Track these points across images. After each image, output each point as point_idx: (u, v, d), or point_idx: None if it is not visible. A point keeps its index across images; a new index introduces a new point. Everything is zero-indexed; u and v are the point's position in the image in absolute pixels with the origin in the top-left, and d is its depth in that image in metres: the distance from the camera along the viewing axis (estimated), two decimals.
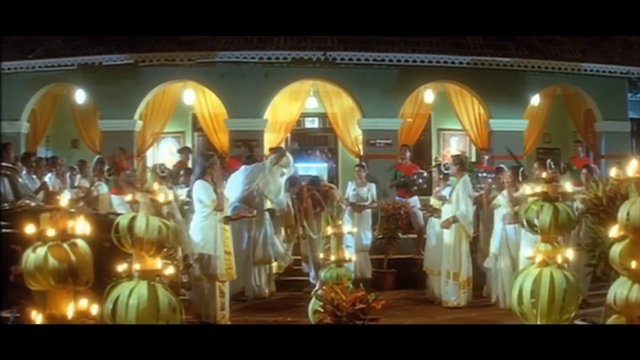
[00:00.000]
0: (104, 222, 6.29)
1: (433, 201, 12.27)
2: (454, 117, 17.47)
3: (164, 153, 18.05)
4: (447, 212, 11.44)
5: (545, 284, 4.70)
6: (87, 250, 4.35)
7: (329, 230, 7.28)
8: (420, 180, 14.52)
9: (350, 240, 9.92)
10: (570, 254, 4.97)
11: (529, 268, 4.84)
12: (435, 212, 11.75)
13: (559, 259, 4.81)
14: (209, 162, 10.01)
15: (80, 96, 16.49)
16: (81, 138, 17.56)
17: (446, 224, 11.33)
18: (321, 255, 7.78)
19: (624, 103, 17.28)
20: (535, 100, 17.08)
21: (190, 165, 14.32)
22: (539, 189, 4.89)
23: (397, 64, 16.01)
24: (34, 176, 13.10)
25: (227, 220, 10.07)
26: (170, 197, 5.11)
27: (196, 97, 16.88)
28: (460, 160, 11.94)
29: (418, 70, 16.03)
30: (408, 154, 15.11)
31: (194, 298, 9.88)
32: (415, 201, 14.35)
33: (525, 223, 4.92)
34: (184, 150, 15.81)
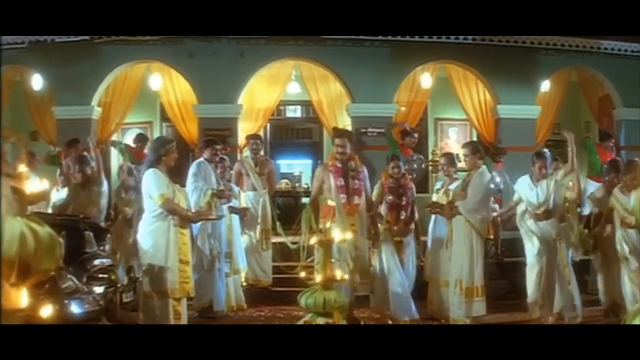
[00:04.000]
0: None
1: (436, 197, 10.47)
2: (453, 105, 15.92)
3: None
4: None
5: None
6: None
7: (313, 237, 5.19)
8: (415, 166, 12.92)
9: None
10: None
11: None
12: (442, 209, 9.82)
13: None
14: (165, 149, 7.98)
15: (34, 81, 14.70)
16: (36, 128, 15.72)
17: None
18: (302, 274, 5.62)
19: None
20: (546, 86, 15.36)
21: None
22: None
23: (391, 39, 14.17)
24: None
25: (185, 221, 8.11)
26: (44, 187, 3.11)
27: (162, 82, 15.08)
28: (477, 149, 10.01)
29: (415, 48, 14.16)
30: (416, 135, 13.69)
31: (143, 320, 7.92)
32: None
33: None
34: (140, 139, 13.89)
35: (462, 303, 9.37)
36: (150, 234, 7.74)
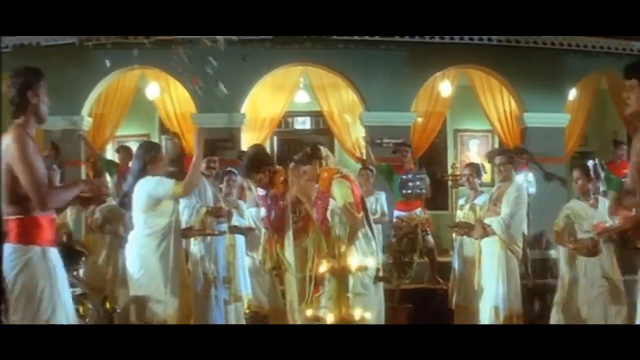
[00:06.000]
0: None
1: (461, 214, 9.43)
2: (474, 115, 15.15)
3: None
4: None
5: None
6: None
7: (323, 265, 3.92)
8: (417, 183, 11.81)
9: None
10: None
11: None
12: (470, 228, 8.64)
13: None
14: (150, 155, 7.03)
15: None
16: None
17: None
18: (308, 313, 4.28)
19: None
20: (574, 93, 14.65)
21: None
22: None
23: (407, 42, 13.15)
24: None
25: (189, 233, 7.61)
26: None
27: (159, 91, 14.26)
28: (512, 159, 8.79)
29: (434, 52, 13.26)
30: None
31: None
32: (419, 214, 11.78)
33: None
34: (121, 150, 12.84)
35: None
36: (145, 254, 6.79)
